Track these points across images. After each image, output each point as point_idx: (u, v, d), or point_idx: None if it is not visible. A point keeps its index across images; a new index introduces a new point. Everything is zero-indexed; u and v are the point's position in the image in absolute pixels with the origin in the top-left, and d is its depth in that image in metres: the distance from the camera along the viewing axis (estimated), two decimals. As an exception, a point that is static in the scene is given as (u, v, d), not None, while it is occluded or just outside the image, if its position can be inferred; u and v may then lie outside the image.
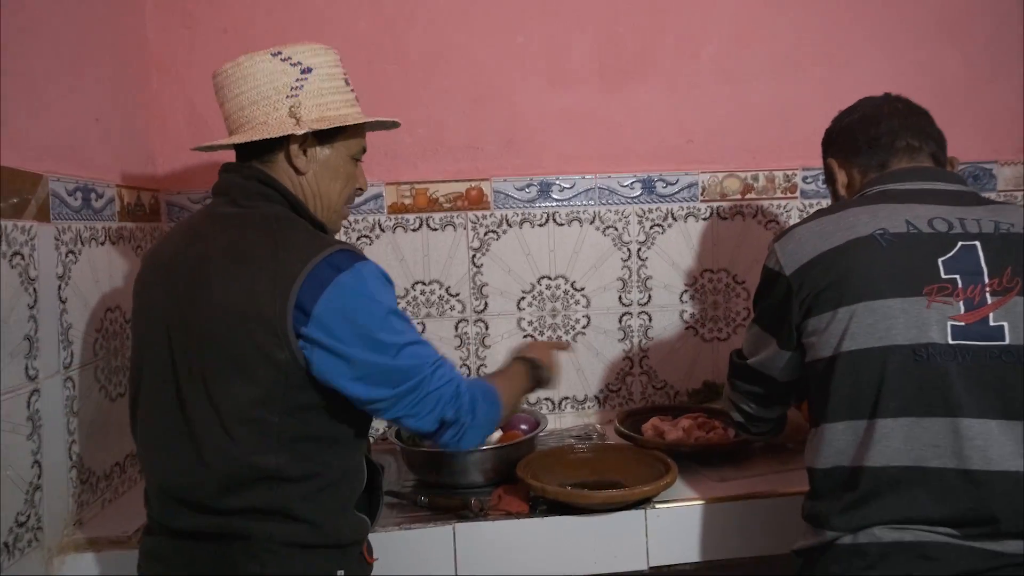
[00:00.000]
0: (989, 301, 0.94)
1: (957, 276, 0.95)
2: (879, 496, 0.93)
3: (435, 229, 1.79)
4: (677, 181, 1.83)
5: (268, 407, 0.95)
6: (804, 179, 1.87)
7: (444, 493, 1.41)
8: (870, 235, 1.00)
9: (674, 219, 1.84)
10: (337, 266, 0.95)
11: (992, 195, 1.92)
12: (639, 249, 1.84)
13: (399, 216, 1.77)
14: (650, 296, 1.85)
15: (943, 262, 0.97)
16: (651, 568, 1.33)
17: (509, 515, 1.32)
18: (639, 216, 1.83)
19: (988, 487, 0.89)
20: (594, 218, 1.82)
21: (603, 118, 1.82)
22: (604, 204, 1.82)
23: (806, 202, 1.87)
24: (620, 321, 1.85)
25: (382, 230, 1.77)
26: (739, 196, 1.86)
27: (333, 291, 0.94)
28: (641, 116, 1.83)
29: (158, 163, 1.69)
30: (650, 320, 1.86)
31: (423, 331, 1.81)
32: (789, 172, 1.86)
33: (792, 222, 1.85)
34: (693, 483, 1.41)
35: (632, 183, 1.82)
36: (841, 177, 1.20)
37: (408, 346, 0.99)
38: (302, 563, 0.99)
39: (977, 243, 0.97)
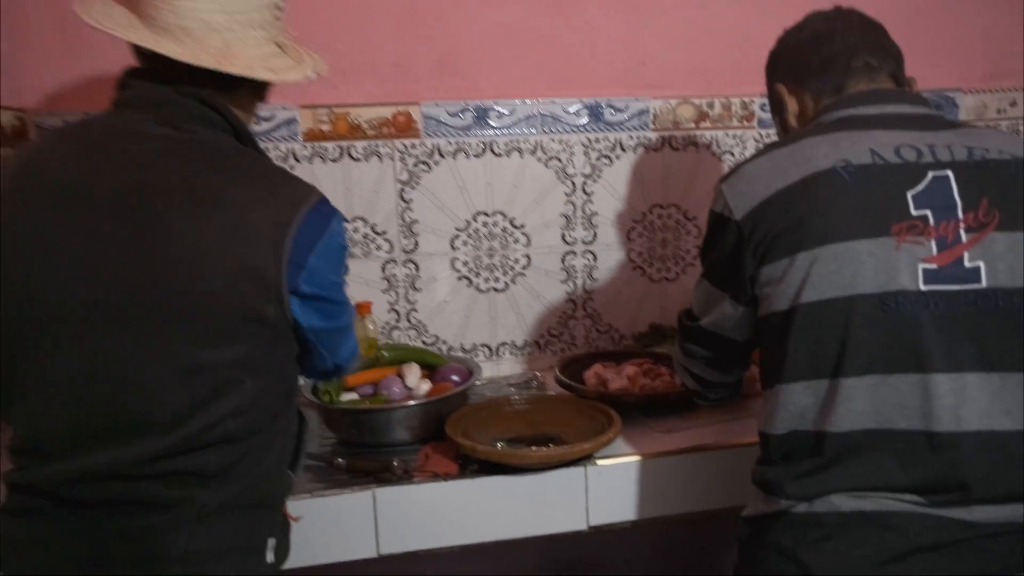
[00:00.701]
0: (964, 239, 0.83)
1: (928, 212, 0.84)
2: (839, 462, 0.83)
3: (358, 159, 1.59)
4: (627, 108, 1.67)
5: (247, 369, 0.86)
6: (762, 107, 1.72)
7: (365, 454, 1.28)
8: (831, 168, 0.87)
9: (623, 150, 1.69)
10: (326, 215, 0.90)
11: (954, 126, 1.83)
12: (584, 183, 1.69)
13: (316, 144, 1.57)
14: (596, 234, 1.71)
15: (913, 196, 0.85)
16: (591, 527, 1.24)
17: (436, 477, 1.19)
18: (585, 146, 1.67)
19: (958, 450, 0.80)
20: (536, 148, 1.65)
21: (547, 37, 1.63)
22: (547, 133, 1.65)
23: (763, 132, 1.74)
24: (563, 261, 1.71)
25: (297, 160, 1.57)
26: (693, 125, 1.71)
27: (328, 243, 0.90)
28: (589, 35, 1.64)
29: (23, 77, 1.44)
30: (595, 259, 1.72)
31: (345, 273, 1.63)
32: (747, 99, 1.72)
33: (749, 154, 1.74)
34: (637, 435, 1.31)
35: (578, 110, 1.65)
36: (792, 105, 1.06)
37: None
38: (233, 531, 0.87)
39: (949, 172, 0.85)
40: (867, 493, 0.82)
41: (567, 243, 1.70)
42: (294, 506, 1.13)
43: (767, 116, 1.73)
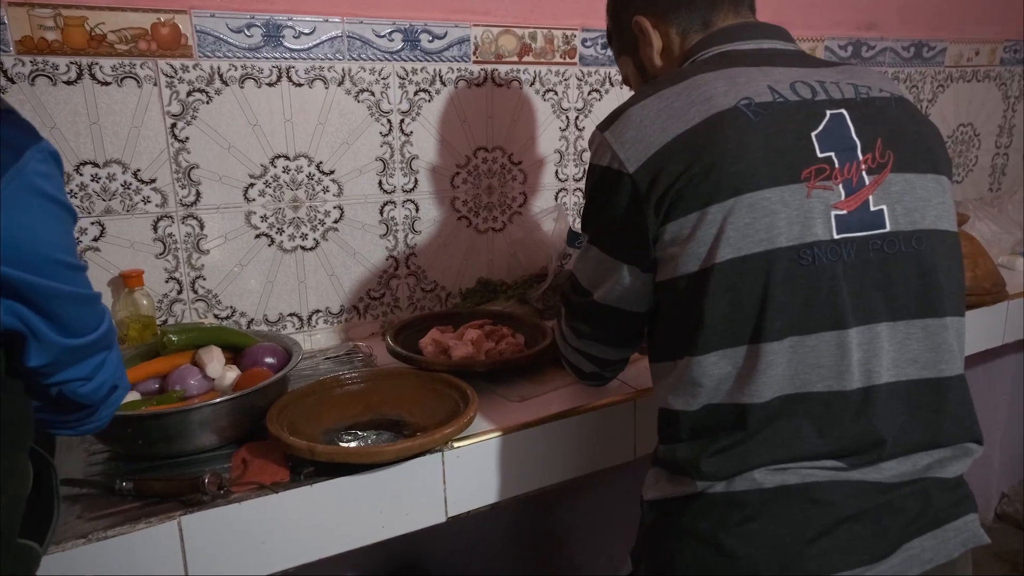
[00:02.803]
0: (867, 181, 0.77)
1: (832, 154, 0.77)
2: (758, 434, 0.75)
3: (106, 83, 1.21)
4: (446, 35, 1.47)
5: None
6: (583, 42, 1.63)
7: (159, 471, 0.98)
8: (734, 107, 0.77)
9: (443, 83, 1.49)
10: (12, 143, 0.61)
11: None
12: (402, 121, 1.46)
13: (40, 59, 1.15)
14: (416, 180, 1.51)
15: (816, 137, 0.77)
16: (450, 518, 1.09)
17: (261, 488, 0.95)
18: (401, 78, 1.44)
19: (871, 405, 0.76)
20: (343, 77, 1.39)
21: (349, -60, 1.36)
22: (356, 59, 1.39)
23: (585, 69, 1.65)
24: (381, 212, 1.49)
25: (11, 80, 1.14)
26: (516, 59, 1.56)
27: (12, 188, 0.60)
28: (399, -57, 1.40)
29: None
30: (417, 210, 1.53)
31: (102, 233, 1.26)
32: (568, 32, 1.60)
33: (571, 92, 1.64)
34: (490, 407, 1.17)
35: (391, 33, 1.41)
36: (656, 40, 0.96)
37: (85, 268, 0.71)
38: None
39: (844, 111, 0.80)
40: (788, 465, 0.75)
41: (385, 191, 1.48)
42: (57, 560, 0.83)
43: (588, 52, 1.64)
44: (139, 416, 0.97)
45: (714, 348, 0.77)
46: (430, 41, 1.45)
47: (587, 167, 0.87)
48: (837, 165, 0.77)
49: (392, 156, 1.47)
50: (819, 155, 0.77)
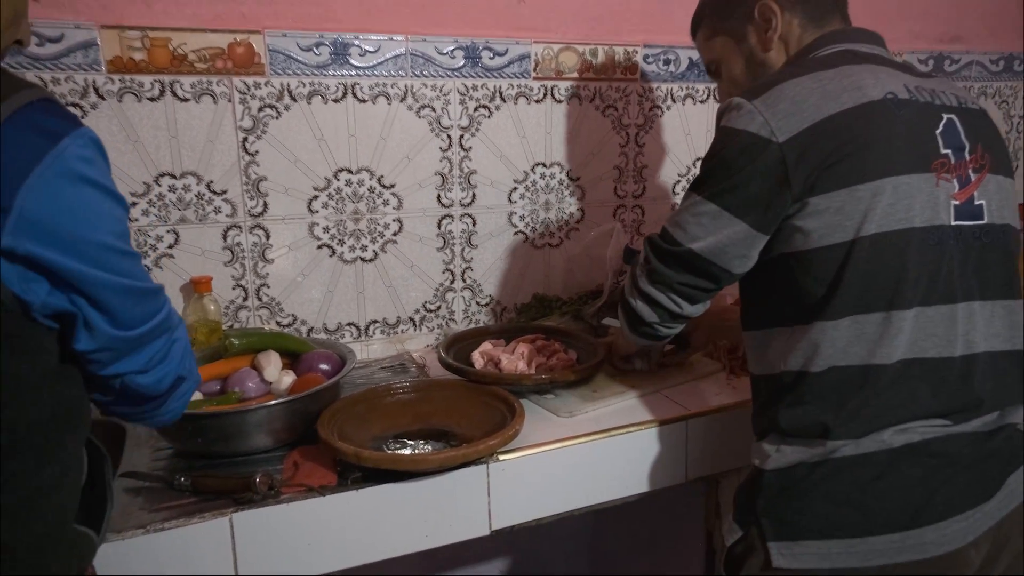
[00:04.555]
0: (973, 179, 0.88)
1: (950, 151, 0.87)
2: (881, 395, 0.83)
3: (185, 99, 1.28)
4: (507, 52, 1.49)
5: None
6: (645, 58, 1.62)
7: (215, 469, 1.02)
8: (882, 99, 0.86)
9: (503, 99, 1.51)
10: (50, 129, 0.61)
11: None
12: (462, 136, 1.49)
13: (127, 78, 1.24)
14: (474, 195, 1.53)
15: (939, 135, 0.88)
16: (493, 531, 1.08)
17: (310, 491, 0.98)
18: (462, 94, 1.47)
19: (972, 371, 0.86)
20: (406, 94, 1.43)
21: (415, -38, 1.40)
22: (418, 76, 1.43)
23: (646, 86, 1.64)
24: (439, 226, 1.51)
25: (101, 97, 1.23)
26: (576, 75, 1.56)
27: (50, 175, 0.60)
28: (462, -36, 1.44)
29: None
30: (474, 224, 1.54)
31: (176, 241, 1.33)
32: (630, 48, 1.60)
33: (632, 108, 1.63)
34: (537, 421, 1.17)
35: (453, 50, 1.44)
36: (780, 24, 1.00)
37: (138, 257, 0.71)
38: None
39: (954, 116, 0.90)
40: (909, 424, 0.83)
41: (443, 205, 1.51)
42: (116, 548, 0.87)
43: (650, 68, 1.63)
44: (199, 415, 1.01)
45: (848, 313, 0.83)
46: (491, 58, 1.48)
47: (722, 129, 0.89)
48: (953, 161, 0.87)
49: (451, 171, 1.50)
50: (941, 151, 0.87)
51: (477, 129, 1.50)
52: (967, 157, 0.88)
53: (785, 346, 0.88)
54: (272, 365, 1.14)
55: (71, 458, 0.72)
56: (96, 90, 1.22)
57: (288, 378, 1.13)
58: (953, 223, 0.86)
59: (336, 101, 1.38)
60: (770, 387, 0.91)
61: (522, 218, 1.59)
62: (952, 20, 2.00)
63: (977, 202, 0.88)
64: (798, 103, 0.84)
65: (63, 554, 0.71)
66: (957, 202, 0.86)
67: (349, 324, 1.48)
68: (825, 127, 0.83)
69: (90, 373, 0.71)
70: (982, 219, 0.88)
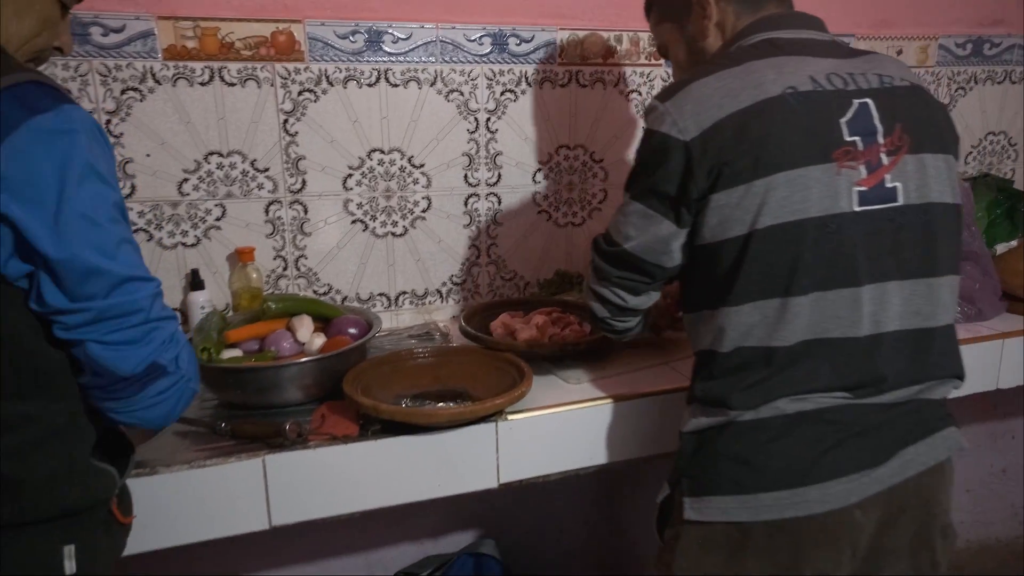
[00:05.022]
0: (885, 162, 0.89)
1: (857, 138, 0.89)
2: (782, 372, 0.88)
3: (232, 84, 1.39)
4: (533, 38, 1.56)
5: None
6: (670, 45, 1.66)
7: (253, 416, 1.14)
8: (780, 95, 0.88)
9: (528, 84, 1.58)
10: (30, 104, 0.68)
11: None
12: (488, 119, 1.57)
13: (181, 64, 1.36)
14: (500, 175, 1.61)
15: (845, 123, 0.89)
16: (502, 485, 1.17)
17: (334, 439, 1.08)
18: (488, 79, 1.55)
19: (877, 350, 0.89)
20: (435, 79, 1.51)
21: (446, -47, 1.48)
22: (447, 62, 1.51)
23: (671, 71, 1.68)
24: (466, 204, 1.60)
25: (157, 82, 1.35)
26: (600, 61, 1.62)
27: (26, 140, 0.67)
28: (492, -46, 1.51)
29: None
30: (499, 203, 1.63)
31: (223, 214, 1.45)
32: (655, 35, 1.64)
33: (656, 92, 1.68)
34: (547, 387, 1.25)
35: (481, 37, 1.52)
36: (715, 13, 1.03)
37: (124, 244, 0.74)
38: (5, 551, 0.73)
39: (869, 100, 0.90)
40: (806, 395, 0.88)
41: (470, 184, 1.59)
42: (166, 480, 1.00)
43: (675, 54, 1.67)
44: (238, 369, 1.13)
45: (749, 300, 0.88)
46: (518, 44, 1.55)
47: (644, 130, 0.95)
48: (861, 148, 0.88)
49: (478, 152, 1.58)
50: (846, 139, 0.88)
51: (503, 112, 1.58)
52: (880, 141, 0.89)
53: (704, 328, 0.94)
54: (304, 327, 1.25)
55: (80, 401, 0.79)
56: (153, 76, 1.35)
57: (319, 340, 1.24)
58: (857, 209, 0.87)
59: (370, 86, 1.47)
60: (696, 362, 0.98)
61: (546, 198, 1.66)
62: (994, 3, 1.97)
63: (890, 185, 0.89)
64: (702, 103, 0.88)
65: (79, 485, 0.79)
66: (863, 188, 0.87)
67: (380, 294, 1.59)
68: (725, 125, 0.86)
69: (53, 335, 0.73)
70: (896, 201, 0.89)
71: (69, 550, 0.77)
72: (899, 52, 1.89)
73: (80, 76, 1.30)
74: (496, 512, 1.77)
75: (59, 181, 0.68)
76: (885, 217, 0.88)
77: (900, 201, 0.89)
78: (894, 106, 0.91)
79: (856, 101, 0.89)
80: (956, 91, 1.99)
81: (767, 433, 0.88)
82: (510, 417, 1.15)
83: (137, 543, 0.96)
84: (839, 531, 0.87)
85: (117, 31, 1.30)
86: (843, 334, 0.87)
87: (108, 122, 1.34)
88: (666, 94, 0.92)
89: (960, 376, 0.96)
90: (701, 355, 0.96)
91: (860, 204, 0.87)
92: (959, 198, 0.95)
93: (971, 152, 2.06)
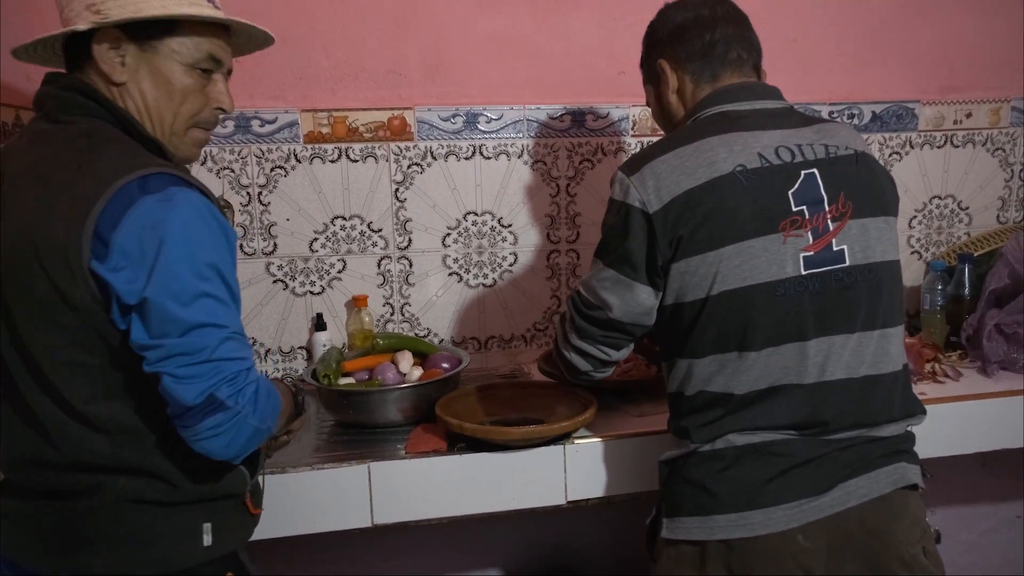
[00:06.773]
0: (831, 228, 0.99)
1: (804, 207, 0.99)
2: (736, 412, 1.00)
3: (355, 160, 1.70)
4: (608, 114, 1.78)
5: (83, 349, 0.85)
6: (735, 115, 1.83)
7: (360, 435, 1.37)
8: (731, 173, 0.97)
9: (604, 154, 1.79)
10: (147, 188, 0.82)
11: (913, 135, 1.94)
12: (568, 185, 1.79)
13: (316, 146, 1.67)
14: (578, 233, 1.82)
15: (792, 194, 0.99)
16: (569, 502, 1.33)
17: (425, 453, 1.29)
18: (568, 150, 1.78)
19: (822, 396, 0.98)
20: (522, 152, 1.76)
21: (533, 45, 1.74)
22: (533, 137, 1.76)
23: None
24: (548, 259, 1.81)
25: (298, 161, 1.67)
26: (670, 131, 1.81)
27: (136, 214, 0.81)
28: (572, 44, 1.75)
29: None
30: (578, 258, 1.83)
31: (344, 267, 1.73)
32: (720, 108, 1.82)
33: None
34: (613, 418, 1.41)
35: (562, 115, 1.76)
36: (673, 81, 1.12)
37: (204, 297, 0.84)
38: (161, 520, 0.92)
39: (815, 170, 1.00)
40: (756, 432, 0.99)
41: (552, 242, 1.81)
42: (290, 479, 1.22)
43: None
44: (350, 392, 1.38)
45: (708, 353, 1.01)
46: (594, 121, 1.77)
47: (609, 200, 1.05)
48: (807, 216, 0.99)
49: (559, 213, 1.80)
50: (793, 209, 0.98)
51: (582, 179, 1.79)
52: (826, 208, 0.98)
53: (674, 373, 1.06)
54: (406, 361, 1.48)
55: None
56: (295, 156, 1.67)
57: (417, 371, 1.47)
58: (804, 272, 0.97)
59: (467, 159, 1.74)
60: (669, 400, 1.10)
61: (621, 253, 1.84)
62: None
63: (836, 248, 0.98)
64: (662, 179, 0.98)
65: (223, 480, 0.96)
66: (809, 253, 0.97)
67: (472, 338, 1.81)
68: (682, 201, 0.96)
69: (143, 370, 0.84)
70: (843, 262, 0.98)
71: (207, 527, 0.94)
72: (968, 115, 1.96)
73: (241, 159, 1.64)
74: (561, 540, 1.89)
75: (157, 239, 0.81)
76: (832, 277, 0.98)
77: (847, 262, 0.99)
78: (838, 175, 1.00)
79: (804, 172, 0.99)
80: (1034, 149, 2.02)
81: (721, 462, 0.99)
82: (577, 441, 1.32)
83: (266, 530, 1.18)
84: (782, 553, 0.96)
85: (271, 122, 1.64)
86: (791, 381, 0.98)
87: (260, 194, 1.66)
88: (630, 168, 1.02)
89: (914, 413, 1.05)
90: (672, 395, 1.09)
91: (806, 268, 0.97)
92: (898, 254, 1.05)
93: (1056, 208, 2.07)
